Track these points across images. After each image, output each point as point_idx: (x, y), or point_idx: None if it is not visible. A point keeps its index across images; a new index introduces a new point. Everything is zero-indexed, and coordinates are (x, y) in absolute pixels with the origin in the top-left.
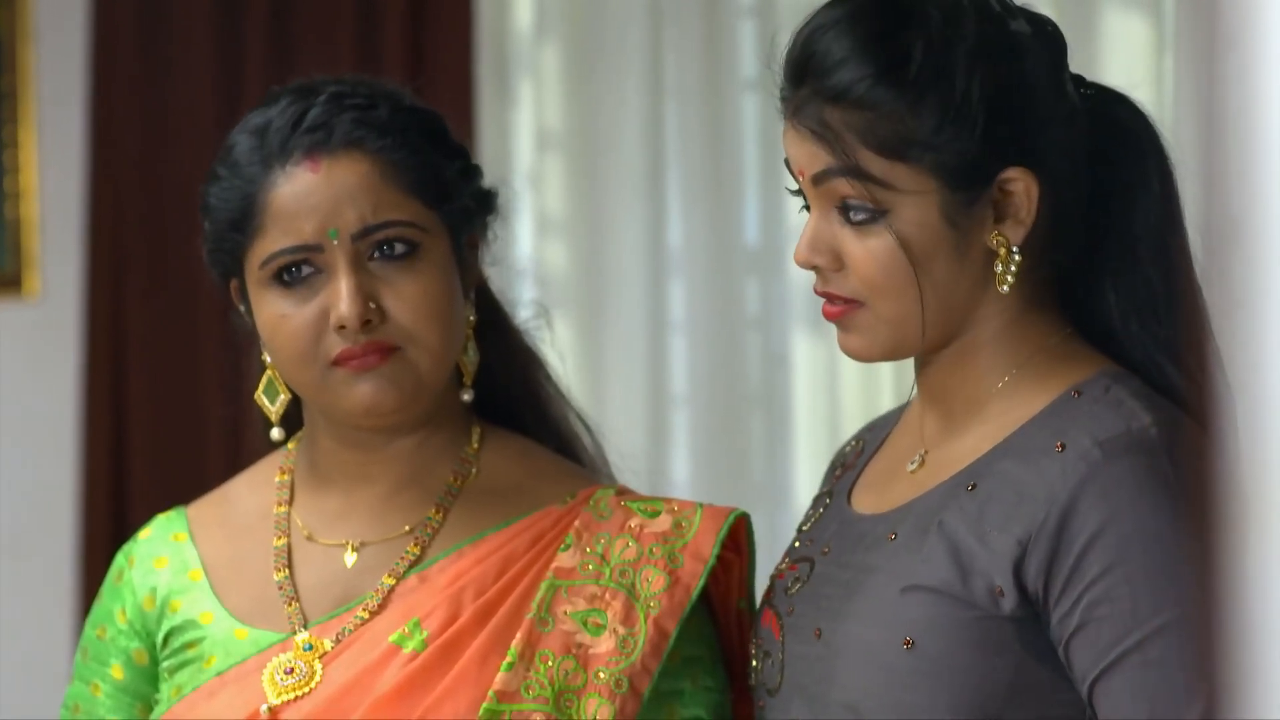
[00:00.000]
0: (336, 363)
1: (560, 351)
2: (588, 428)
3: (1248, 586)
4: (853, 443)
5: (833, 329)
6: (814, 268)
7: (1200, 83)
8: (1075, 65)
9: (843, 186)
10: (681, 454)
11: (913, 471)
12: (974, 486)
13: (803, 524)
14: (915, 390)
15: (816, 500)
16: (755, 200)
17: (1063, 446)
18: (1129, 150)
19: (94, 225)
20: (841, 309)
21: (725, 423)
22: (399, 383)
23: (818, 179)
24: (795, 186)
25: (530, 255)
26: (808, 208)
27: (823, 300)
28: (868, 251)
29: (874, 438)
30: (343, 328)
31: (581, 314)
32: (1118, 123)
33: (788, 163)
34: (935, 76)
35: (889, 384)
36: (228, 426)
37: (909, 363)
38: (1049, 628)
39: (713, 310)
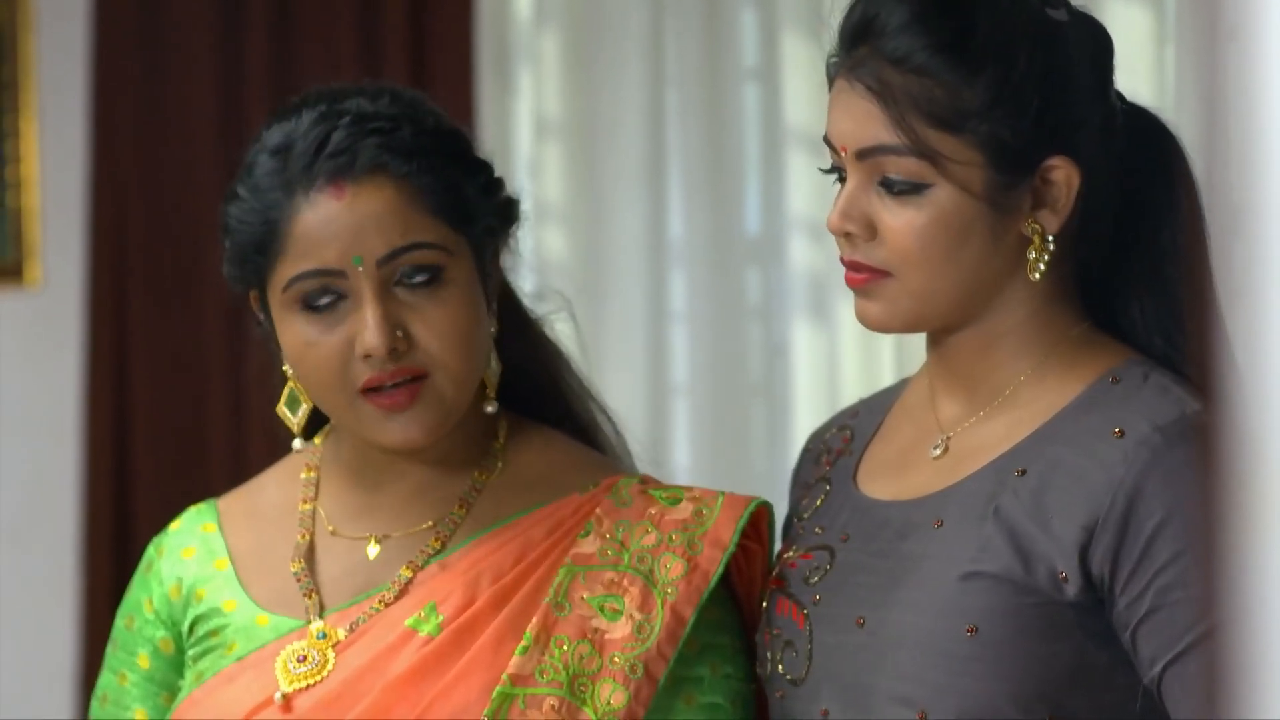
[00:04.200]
0: (364, 391)
1: (580, 341)
2: (610, 420)
3: (1250, 586)
4: (834, 430)
5: (833, 319)
6: (845, 235)
7: (1201, 73)
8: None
9: (888, 163)
10: (682, 444)
11: (937, 458)
12: (1024, 472)
13: (800, 511)
14: (926, 377)
15: (811, 487)
16: (756, 190)
17: (1121, 432)
18: (1159, 169)
19: (95, 214)
20: (866, 277)
21: (726, 413)
22: (425, 420)
23: (864, 154)
24: (829, 166)
25: (530, 245)
26: (842, 180)
27: (844, 269)
28: (905, 223)
29: (863, 424)
30: (369, 356)
31: (582, 303)
32: (1150, 141)
33: (827, 139)
34: (998, 53)
35: (890, 374)
36: (230, 415)
37: (911, 353)
38: (1112, 613)
39: (713, 300)
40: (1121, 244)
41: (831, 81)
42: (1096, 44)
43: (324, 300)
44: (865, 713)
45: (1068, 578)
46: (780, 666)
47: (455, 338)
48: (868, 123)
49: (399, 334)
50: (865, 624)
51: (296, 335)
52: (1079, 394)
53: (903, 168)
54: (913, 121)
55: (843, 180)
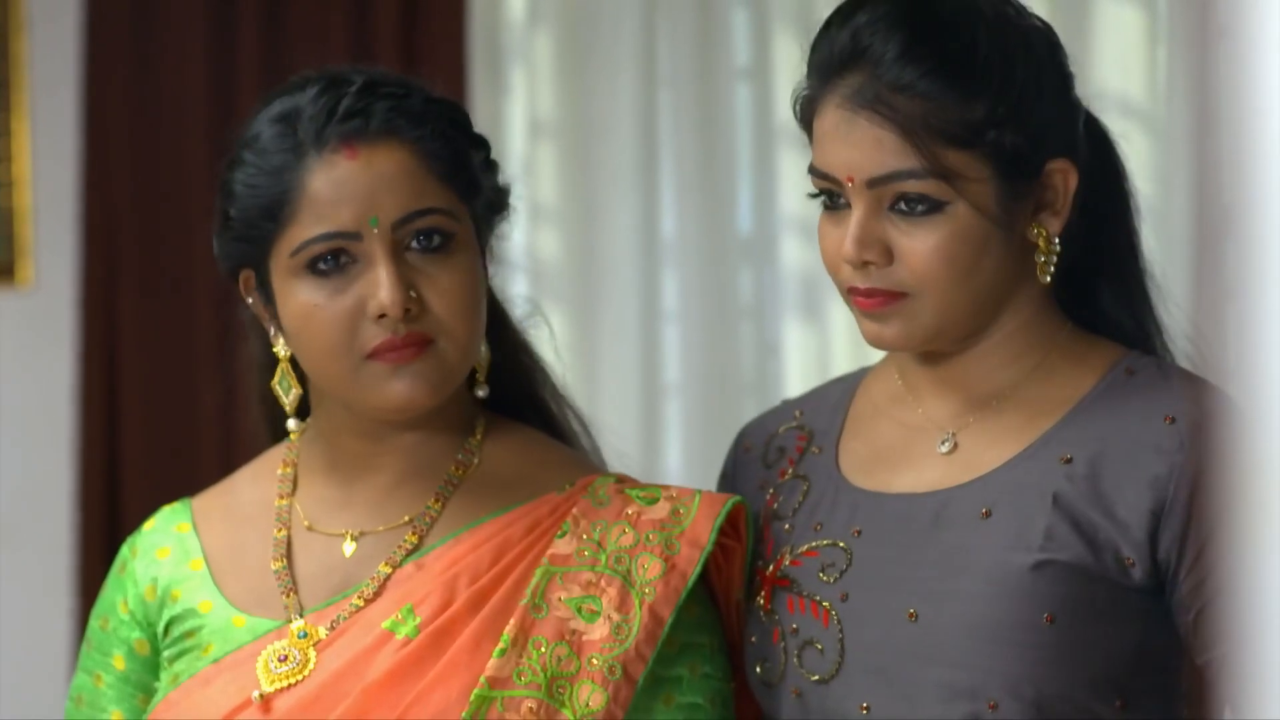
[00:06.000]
0: (372, 355)
1: (557, 346)
2: (585, 427)
3: (1247, 585)
4: (783, 429)
5: (825, 318)
6: (862, 264)
7: (1193, 73)
8: (1069, 56)
9: (906, 187)
10: (674, 443)
11: (947, 453)
12: (1069, 460)
13: (779, 509)
14: (894, 376)
15: (779, 486)
16: (748, 190)
17: (1172, 419)
18: (1104, 159)
19: (87, 214)
20: (882, 300)
21: (718, 411)
22: (431, 378)
23: (877, 181)
24: (815, 191)
25: (523, 245)
26: (826, 205)
27: (856, 297)
28: (923, 243)
29: (819, 422)
30: (383, 317)
31: (574, 303)
32: (1094, 135)
33: (819, 170)
34: (999, 66)
35: None
36: (221, 414)
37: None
38: (1174, 596)
39: (705, 299)
40: (1094, 241)
41: (812, 113)
42: (1055, 43)
43: (333, 264)
44: (915, 706)
45: (1134, 563)
46: (799, 664)
47: (463, 304)
48: (878, 150)
49: (412, 295)
50: (919, 617)
51: (303, 300)
52: (1095, 385)
53: (921, 189)
54: (929, 143)
55: (827, 206)
